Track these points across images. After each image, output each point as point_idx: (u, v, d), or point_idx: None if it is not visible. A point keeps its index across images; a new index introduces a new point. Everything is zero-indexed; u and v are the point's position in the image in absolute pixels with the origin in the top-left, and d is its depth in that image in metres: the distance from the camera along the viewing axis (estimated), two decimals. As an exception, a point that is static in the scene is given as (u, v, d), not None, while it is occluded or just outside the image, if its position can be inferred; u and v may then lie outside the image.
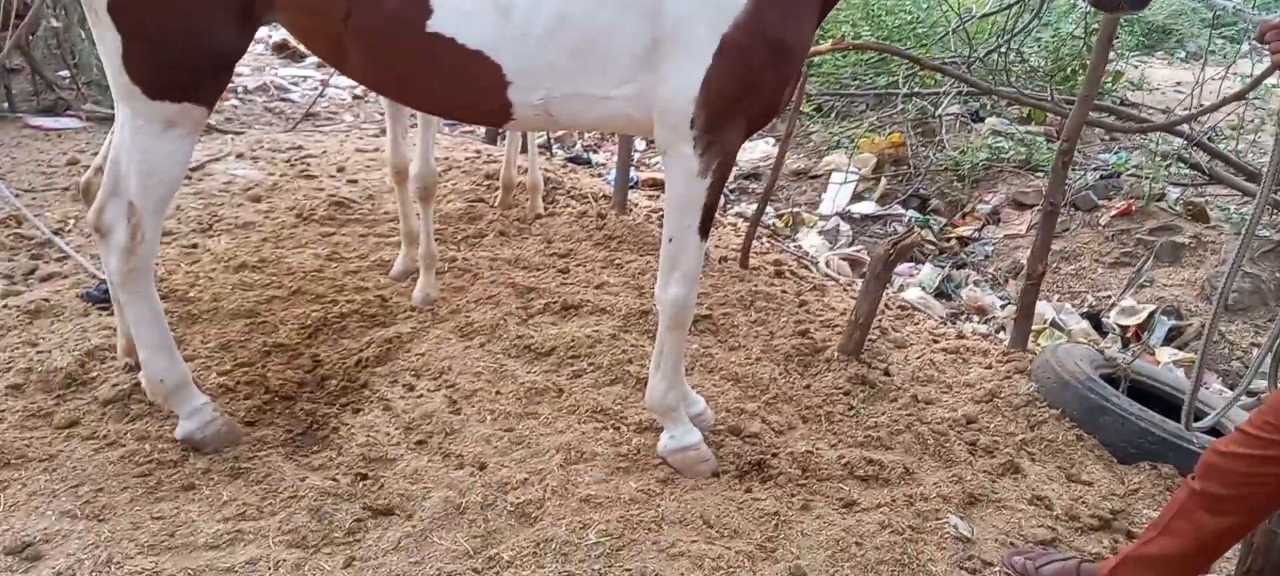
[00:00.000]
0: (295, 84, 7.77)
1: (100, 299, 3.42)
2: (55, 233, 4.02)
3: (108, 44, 2.25)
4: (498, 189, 4.95)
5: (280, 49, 9.14)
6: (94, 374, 2.96)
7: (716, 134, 2.35)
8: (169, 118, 2.31)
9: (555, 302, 3.76)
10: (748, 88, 2.31)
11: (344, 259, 4.02)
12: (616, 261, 4.25)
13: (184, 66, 2.28)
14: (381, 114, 7.15)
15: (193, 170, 4.98)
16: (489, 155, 5.67)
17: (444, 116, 2.89)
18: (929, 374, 3.46)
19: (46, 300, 3.38)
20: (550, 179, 5.25)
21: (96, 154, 5.09)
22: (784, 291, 4.11)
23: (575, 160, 6.67)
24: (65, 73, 6.27)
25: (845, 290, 4.49)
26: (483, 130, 6.46)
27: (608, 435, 2.91)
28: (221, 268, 3.78)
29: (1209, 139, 5.71)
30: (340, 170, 5.14)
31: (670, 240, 2.51)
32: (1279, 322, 2.11)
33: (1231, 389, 3.95)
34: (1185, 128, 5.29)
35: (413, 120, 3.81)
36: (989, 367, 3.54)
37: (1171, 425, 2.97)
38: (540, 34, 2.24)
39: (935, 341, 3.83)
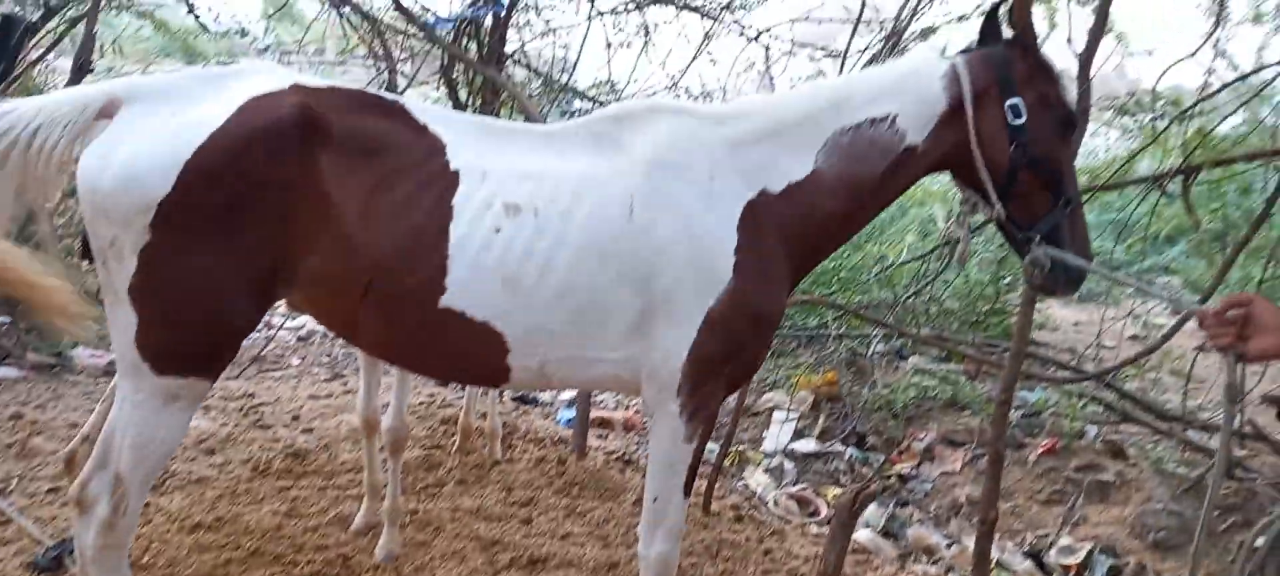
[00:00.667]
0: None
1: (47, 567, 3.26)
2: (-5, 491, 3.85)
3: (120, 321, 2.30)
4: (454, 435, 4.98)
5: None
6: (41, 652, 2.79)
7: (702, 397, 2.49)
8: (173, 392, 2.33)
9: (521, 556, 3.73)
10: (731, 354, 2.48)
11: (303, 514, 3.93)
12: (579, 509, 4.26)
13: (196, 344, 2.34)
14: (329, 356, 7.18)
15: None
16: (443, 400, 5.72)
17: (444, 380, 2.99)
18: (898, 624, 3.52)
19: (-10, 568, 3.21)
20: (506, 423, 5.30)
21: (40, 408, 4.99)
22: (747, 537, 4.17)
23: (522, 399, 6.74)
24: (4, 318, 6.16)
25: (802, 533, 4.56)
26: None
27: (588, 702, 2.85)
28: (175, 529, 3.65)
29: (1114, 380, 6.18)
30: (295, 419, 5.11)
31: (655, 499, 2.58)
32: (1199, 531, 2.25)
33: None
34: (1088, 368, 5.74)
35: (388, 372, 3.88)
36: (953, 616, 3.61)
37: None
38: (542, 305, 2.39)
39: (898, 588, 3.90)
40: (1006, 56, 2.47)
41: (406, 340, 2.50)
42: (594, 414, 6.44)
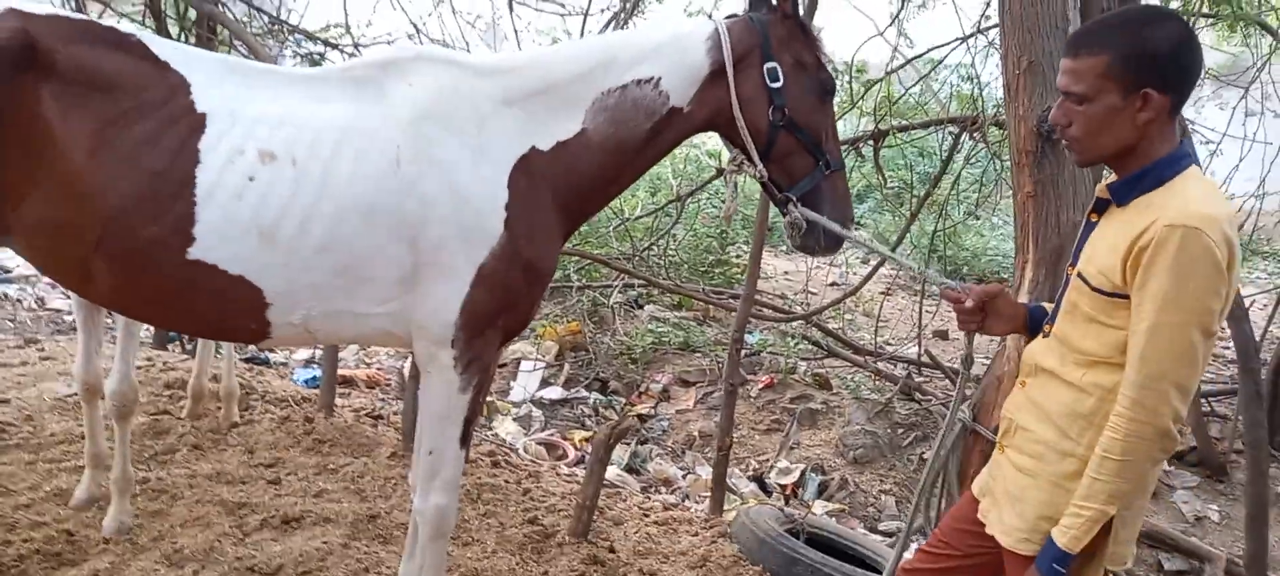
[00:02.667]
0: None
1: None
2: None
3: None
4: (183, 399, 4.63)
5: None
6: None
7: (475, 349, 2.51)
8: None
9: (273, 516, 3.59)
10: (505, 307, 2.51)
11: (11, 491, 3.51)
12: (331, 466, 4.16)
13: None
14: (13, 321, 6.33)
15: None
16: (165, 363, 5.26)
17: (195, 336, 2.81)
18: (648, 546, 3.82)
19: None
20: (242, 384, 5.00)
21: None
22: (505, 481, 4.30)
23: (254, 360, 6.35)
24: None
25: (555, 474, 4.77)
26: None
27: (358, 651, 2.86)
28: None
29: (821, 321, 7.00)
30: (-15, 389, 4.49)
31: (430, 453, 2.58)
32: (930, 464, 2.69)
33: (876, 531, 4.79)
34: (798, 310, 6.48)
35: (111, 330, 3.53)
36: (696, 535, 3.98)
37: (846, 568, 3.58)
38: (303, 259, 2.31)
39: (646, 515, 4.22)
40: (767, 21, 2.55)
41: (150, 294, 2.34)
42: (344, 372, 6.24)
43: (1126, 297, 1.83)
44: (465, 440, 2.64)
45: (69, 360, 5.23)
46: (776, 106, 2.53)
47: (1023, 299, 2.76)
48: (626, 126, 2.54)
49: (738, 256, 9.67)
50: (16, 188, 2.12)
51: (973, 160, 7.11)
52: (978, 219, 11.21)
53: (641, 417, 6.60)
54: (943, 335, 8.47)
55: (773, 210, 3.94)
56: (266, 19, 5.91)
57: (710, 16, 2.69)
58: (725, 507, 4.96)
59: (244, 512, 3.61)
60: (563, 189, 2.55)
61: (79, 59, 2.20)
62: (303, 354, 6.88)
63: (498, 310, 2.50)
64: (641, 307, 8.52)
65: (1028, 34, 2.93)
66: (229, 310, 2.33)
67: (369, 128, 2.38)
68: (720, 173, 6.51)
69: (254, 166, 2.26)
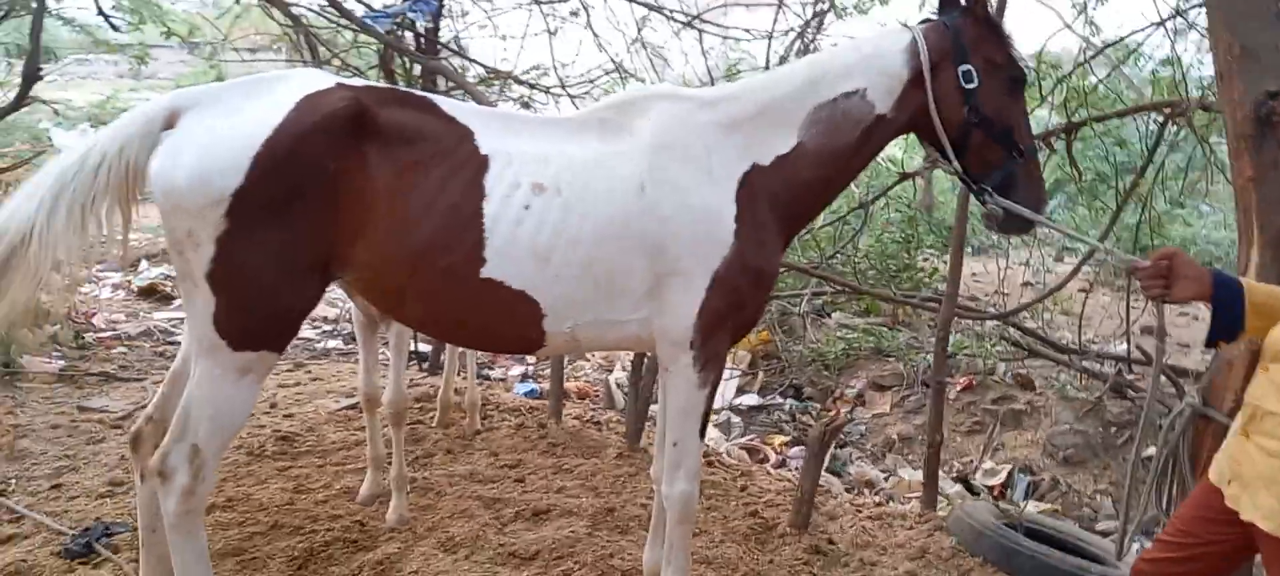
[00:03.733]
0: (175, 326, 7.72)
1: (80, 553, 3.41)
2: (-2, 492, 3.92)
3: (198, 305, 2.51)
4: (432, 410, 5.23)
5: (147, 294, 9.02)
6: (103, 625, 2.97)
7: (711, 349, 2.81)
8: (247, 365, 2.55)
9: (525, 510, 4.04)
10: (735, 309, 2.79)
11: (309, 490, 4.14)
12: (566, 467, 4.60)
13: (266, 321, 2.57)
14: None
15: (121, 419, 4.95)
16: (412, 380, 5.93)
17: (484, 349, 3.26)
18: (865, 539, 4.00)
19: (24, 560, 3.33)
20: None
21: (10, 413, 4.98)
22: (722, 479, 4.59)
23: (481, 376, 6.99)
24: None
25: (766, 473, 5.02)
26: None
27: (613, 625, 3.21)
28: (193, 509, 3.81)
29: (1020, 320, 6.89)
30: (273, 406, 5.25)
31: (675, 444, 2.89)
32: (1157, 458, 2.75)
33: (1093, 531, 4.74)
34: (991, 311, 6.42)
35: (385, 348, 4.11)
36: (910, 529, 4.12)
37: (1073, 560, 3.63)
38: (572, 275, 2.67)
39: (859, 510, 4.40)
40: (959, 25, 2.71)
41: (450, 312, 2.76)
42: (572, 386, 6.77)
43: None
44: (703, 431, 2.95)
45: (333, 379, 6.01)
46: (971, 106, 2.70)
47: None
48: (838, 136, 2.79)
49: (924, 260, 9.60)
50: (354, 229, 2.60)
51: (1177, 146, 6.82)
52: (1183, 207, 10.58)
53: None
54: (1149, 330, 8.10)
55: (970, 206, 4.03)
56: (482, 69, 6.54)
57: (906, 25, 2.85)
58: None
59: (499, 506, 4.07)
60: (783, 198, 2.82)
61: (392, 118, 2.67)
62: (517, 369, 7.50)
63: (729, 312, 2.79)
64: (829, 315, 8.65)
65: (1237, 19, 2.95)
66: (513, 322, 2.72)
67: (616, 159, 2.74)
68: (903, 177, 6.61)
69: (528, 197, 2.66)
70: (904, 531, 4.11)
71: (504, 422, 5.20)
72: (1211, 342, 2.39)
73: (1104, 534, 4.88)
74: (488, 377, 6.97)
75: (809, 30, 6.08)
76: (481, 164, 2.68)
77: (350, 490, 4.19)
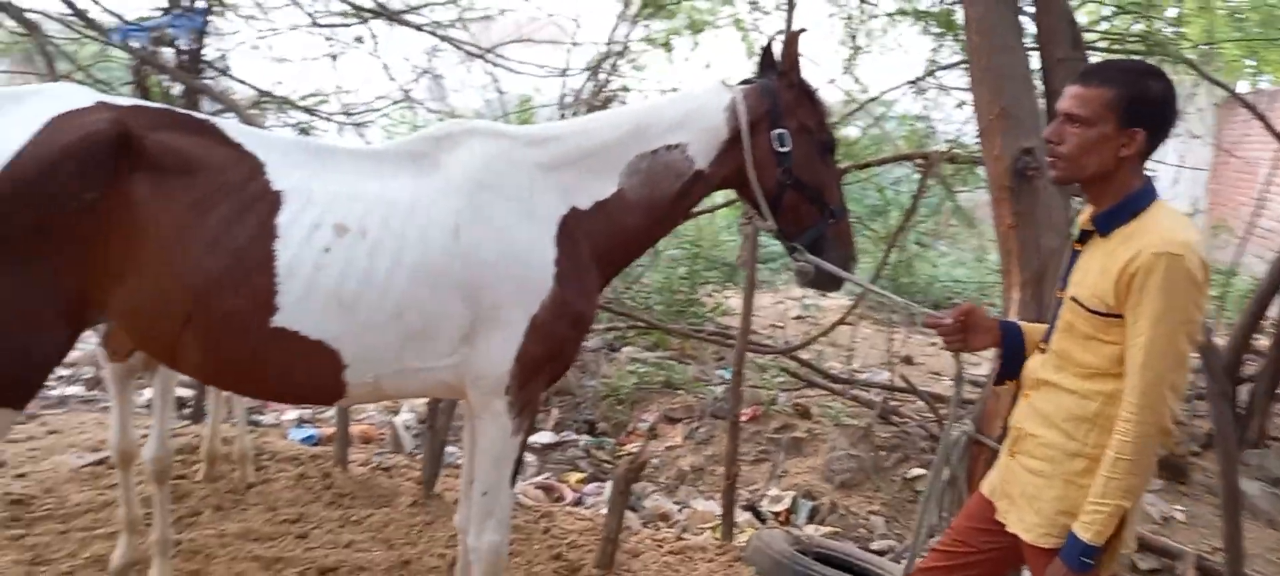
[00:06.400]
0: None
1: None
2: None
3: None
4: (197, 464, 4.72)
5: None
6: None
7: (527, 395, 2.71)
8: (-23, 425, 2.18)
9: (309, 568, 3.73)
10: (553, 354, 2.72)
11: (51, 560, 3.59)
12: (354, 518, 4.29)
13: (3, 373, 2.20)
14: None
15: None
16: (172, 430, 5.33)
17: (276, 401, 2.96)
18: (669, 575, 4.03)
19: None
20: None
21: None
22: (526, 521, 4.47)
23: (251, 422, 6.41)
24: None
25: (566, 514, 4.94)
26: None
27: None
28: (-107, 597, 3.19)
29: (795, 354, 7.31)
30: (2, 465, 4.52)
31: (485, 493, 2.76)
32: (934, 470, 2.94)
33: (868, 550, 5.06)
34: (778, 346, 6.79)
35: (145, 399, 3.65)
36: (711, 561, 4.20)
37: (861, 581, 3.84)
38: (379, 323, 2.49)
39: (660, 545, 4.43)
40: (774, 88, 2.79)
41: (235, 362, 2.49)
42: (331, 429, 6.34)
43: (1119, 316, 2.14)
44: (513, 480, 2.84)
45: (75, 432, 5.28)
46: (784, 168, 2.80)
47: (1012, 318, 3.08)
48: (658, 187, 2.80)
49: (707, 295, 9.98)
50: (115, 271, 2.28)
51: (926, 193, 7.57)
52: (928, 248, 11.73)
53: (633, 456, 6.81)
54: (907, 360, 8.86)
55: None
56: (254, 91, 6.06)
57: (727, 84, 2.92)
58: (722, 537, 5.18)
59: (279, 567, 3.73)
60: (602, 244, 2.79)
61: (165, 144, 2.37)
62: (293, 413, 6.96)
63: (547, 358, 2.71)
64: (619, 350, 8.75)
65: (999, 82, 3.29)
66: (310, 374, 2.49)
67: (430, 198, 2.59)
68: (687, 217, 6.84)
69: (330, 238, 2.44)
70: (705, 564, 4.19)
71: (282, 473, 4.78)
72: (1000, 381, 2.63)
73: (880, 553, 5.23)
74: (258, 423, 6.40)
75: (602, 68, 6.16)
76: (274, 201, 2.45)
77: (100, 558, 3.67)
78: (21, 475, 4.42)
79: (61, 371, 7.30)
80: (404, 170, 2.66)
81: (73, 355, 7.55)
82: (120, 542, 3.67)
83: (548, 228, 2.69)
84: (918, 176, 6.31)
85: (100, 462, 4.66)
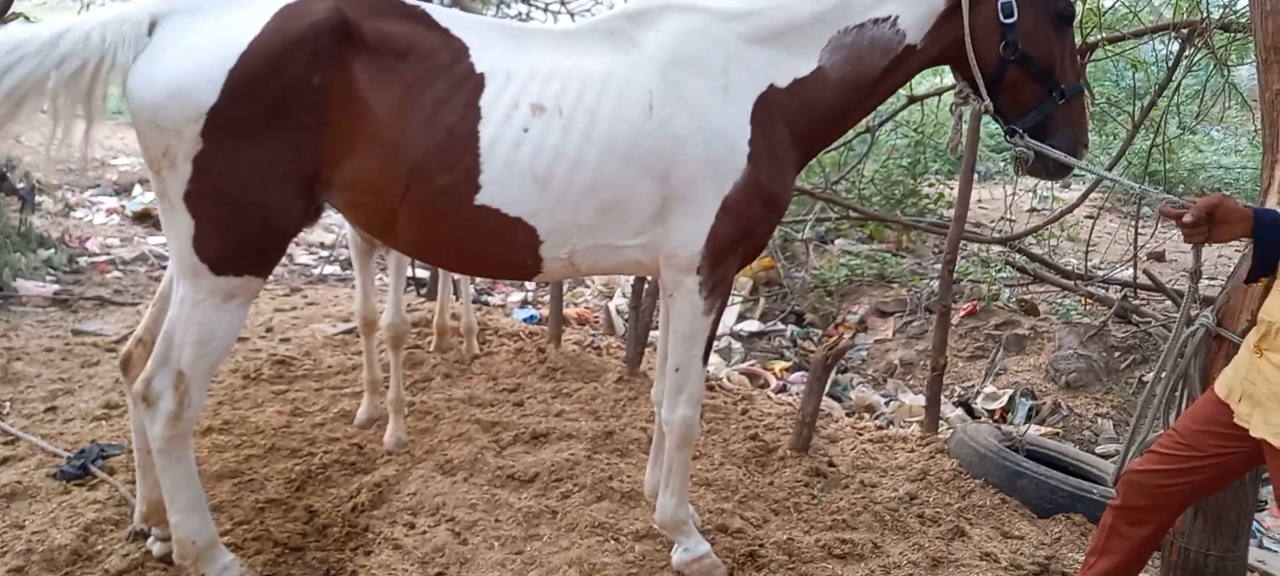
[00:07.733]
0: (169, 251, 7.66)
1: (75, 475, 3.39)
2: (-9, 414, 3.90)
3: (178, 227, 2.42)
4: (429, 336, 5.18)
5: (142, 219, 8.91)
6: (98, 547, 2.95)
7: (718, 276, 2.71)
8: (230, 290, 2.47)
9: (524, 433, 4.01)
10: (745, 235, 2.69)
11: (306, 413, 4.11)
12: (565, 391, 4.56)
13: (249, 244, 2.47)
14: (275, 272, 7.19)
15: (116, 342, 4.90)
16: (410, 305, 5.88)
17: (478, 275, 3.16)
18: (866, 461, 3.98)
19: (18, 482, 3.31)
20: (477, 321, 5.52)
21: (4, 337, 4.95)
22: (724, 402, 4.56)
23: (479, 301, 6.95)
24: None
25: (766, 398, 4.99)
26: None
27: (611, 546, 3.19)
28: (189, 432, 3.79)
29: (1025, 245, 6.81)
30: (269, 330, 5.20)
31: (677, 369, 2.81)
32: (1167, 378, 2.69)
33: (1096, 454, 4.72)
34: (997, 236, 6.33)
35: (382, 271, 4.03)
36: (912, 452, 4.10)
37: (1074, 482, 3.61)
38: (572, 200, 2.55)
39: (860, 433, 4.37)
40: None
41: (443, 238, 2.65)
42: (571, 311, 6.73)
43: None
44: (706, 357, 2.88)
45: (329, 304, 5.96)
46: (1008, 41, 2.56)
47: (1272, 201, 2.69)
48: (862, 64, 2.64)
49: (929, 186, 9.47)
50: (339, 150, 2.49)
51: (1194, 70, 6.65)
52: (1195, 133, 10.40)
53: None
54: (1159, 257, 8.02)
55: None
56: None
57: None
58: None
59: (497, 430, 4.04)
60: (798, 124, 2.68)
61: (381, 30, 2.53)
62: (516, 295, 7.44)
63: (739, 239, 2.68)
64: (832, 242, 8.55)
65: (1272, -75, 2.79)
66: (509, 249, 2.62)
67: (624, 76, 2.59)
68: (912, 101, 6.44)
69: (527, 119, 2.52)
70: (905, 453, 4.09)
71: (502, 348, 5.15)
72: (1253, 278, 2.32)
73: (1105, 456, 4.87)
74: (486, 303, 6.92)
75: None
76: (478, 83, 2.54)
77: (347, 414, 4.16)
78: (285, 339, 5.06)
79: (321, 252, 8.21)
80: (600, 48, 2.67)
81: (330, 238, 8.46)
82: (364, 400, 4.14)
83: (743, 106, 2.62)
84: (1191, 51, 5.55)
85: (349, 331, 5.24)
